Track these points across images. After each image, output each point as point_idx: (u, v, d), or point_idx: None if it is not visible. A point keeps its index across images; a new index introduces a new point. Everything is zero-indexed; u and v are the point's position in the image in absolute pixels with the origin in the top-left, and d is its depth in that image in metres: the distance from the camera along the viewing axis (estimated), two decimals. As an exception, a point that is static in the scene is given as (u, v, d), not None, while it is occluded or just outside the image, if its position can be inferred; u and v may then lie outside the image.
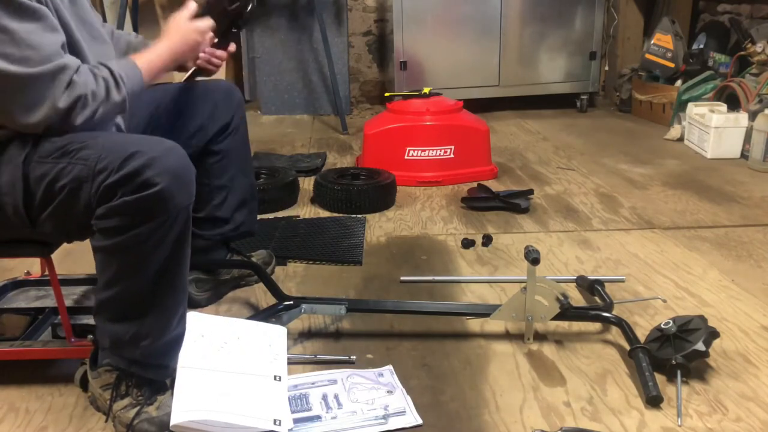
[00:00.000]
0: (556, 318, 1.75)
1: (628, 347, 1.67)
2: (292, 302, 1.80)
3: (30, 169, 1.33)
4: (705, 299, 1.99)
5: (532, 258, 1.66)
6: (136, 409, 1.40)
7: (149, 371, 1.42)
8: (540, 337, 1.80)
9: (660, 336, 1.66)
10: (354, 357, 1.70)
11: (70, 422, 1.48)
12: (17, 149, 1.35)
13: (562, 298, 1.72)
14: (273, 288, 1.89)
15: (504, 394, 1.56)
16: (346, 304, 1.80)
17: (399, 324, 1.89)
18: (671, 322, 1.67)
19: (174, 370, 1.42)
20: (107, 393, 1.42)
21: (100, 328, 1.42)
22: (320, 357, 1.70)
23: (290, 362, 1.68)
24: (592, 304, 1.99)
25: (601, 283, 2.02)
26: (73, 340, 1.58)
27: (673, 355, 1.58)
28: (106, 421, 1.44)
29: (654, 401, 1.50)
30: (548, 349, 1.75)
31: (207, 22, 1.66)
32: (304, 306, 1.80)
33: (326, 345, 1.79)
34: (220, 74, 4.82)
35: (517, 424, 1.45)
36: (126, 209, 1.27)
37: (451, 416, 1.48)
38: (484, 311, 1.80)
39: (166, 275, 1.35)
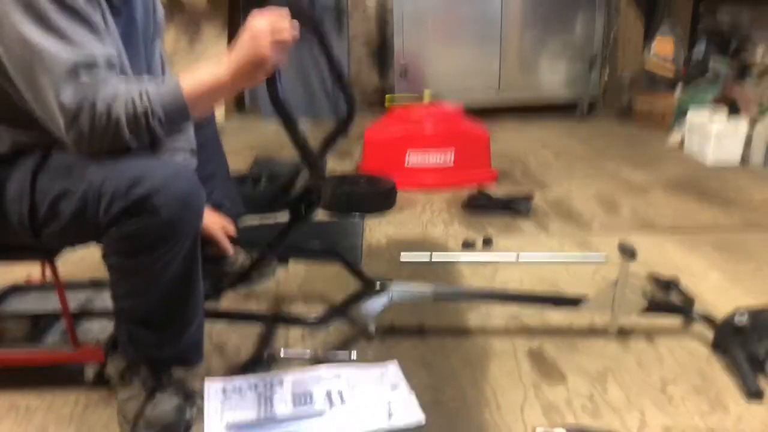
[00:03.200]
0: (642, 313, 1.75)
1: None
2: (379, 287, 1.79)
3: (38, 181, 1.32)
4: (706, 302, 1.99)
5: (629, 253, 1.67)
6: (136, 403, 1.42)
7: (158, 369, 1.45)
8: (540, 335, 1.81)
9: (734, 331, 1.66)
10: (354, 354, 1.70)
11: (71, 421, 1.48)
12: (31, 159, 1.34)
13: (649, 293, 1.72)
14: (359, 274, 1.89)
15: (505, 392, 1.56)
16: (433, 289, 1.79)
17: (399, 322, 1.89)
18: (744, 315, 1.67)
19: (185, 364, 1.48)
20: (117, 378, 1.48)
21: (118, 326, 1.45)
22: (321, 354, 1.70)
23: (291, 358, 1.68)
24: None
25: (677, 281, 2.03)
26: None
27: (757, 349, 1.59)
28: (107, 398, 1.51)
29: (756, 395, 1.50)
30: (549, 348, 1.75)
31: (282, 21, 1.30)
32: (391, 290, 1.78)
33: (327, 342, 1.79)
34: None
35: (518, 422, 1.45)
36: (132, 235, 1.25)
37: (452, 415, 1.48)
38: (573, 303, 1.79)
39: (178, 290, 1.36)
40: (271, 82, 1.32)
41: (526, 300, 1.89)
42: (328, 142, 1.65)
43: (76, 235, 1.36)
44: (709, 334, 1.74)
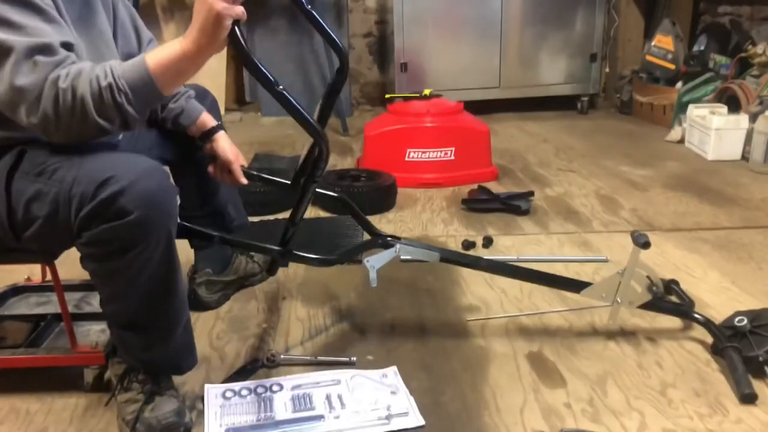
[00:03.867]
0: (643, 307, 1.73)
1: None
2: (388, 239, 1.76)
3: (13, 183, 1.30)
4: (706, 301, 1.99)
5: (643, 242, 1.63)
6: (135, 407, 1.42)
7: (153, 373, 1.46)
8: (540, 338, 1.81)
9: (734, 333, 1.66)
10: (354, 358, 1.70)
11: (71, 423, 1.48)
12: (5, 161, 1.32)
13: (655, 288, 1.71)
14: (367, 225, 1.86)
15: (504, 395, 1.56)
16: (439, 252, 1.77)
17: (400, 325, 1.89)
18: (744, 318, 1.66)
19: (179, 370, 1.49)
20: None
21: (110, 330, 1.46)
22: (321, 358, 1.70)
23: (291, 363, 1.68)
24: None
25: (677, 282, 2.02)
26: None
27: (756, 352, 1.58)
28: (107, 404, 1.51)
29: (749, 399, 1.50)
30: (548, 351, 1.75)
31: None
32: (398, 245, 1.74)
33: (327, 346, 1.79)
34: (221, 75, 4.83)
35: (518, 425, 1.45)
36: (104, 238, 1.24)
37: (452, 417, 1.48)
38: (575, 287, 1.77)
39: (159, 292, 1.35)
40: (234, 37, 1.25)
41: (529, 276, 1.84)
42: (328, 98, 1.60)
43: (53, 239, 1.35)
44: (709, 337, 1.73)
